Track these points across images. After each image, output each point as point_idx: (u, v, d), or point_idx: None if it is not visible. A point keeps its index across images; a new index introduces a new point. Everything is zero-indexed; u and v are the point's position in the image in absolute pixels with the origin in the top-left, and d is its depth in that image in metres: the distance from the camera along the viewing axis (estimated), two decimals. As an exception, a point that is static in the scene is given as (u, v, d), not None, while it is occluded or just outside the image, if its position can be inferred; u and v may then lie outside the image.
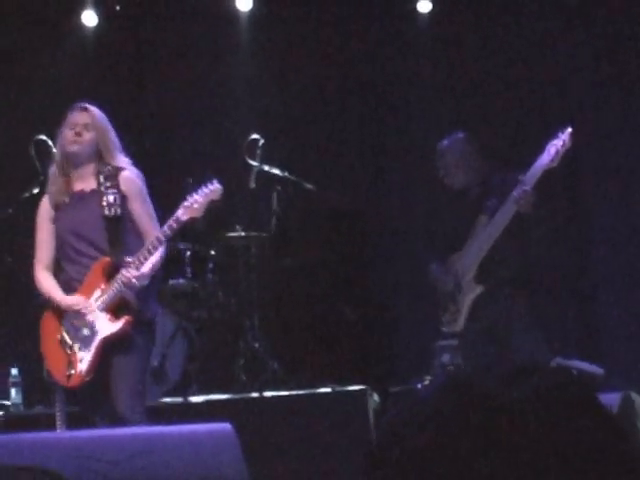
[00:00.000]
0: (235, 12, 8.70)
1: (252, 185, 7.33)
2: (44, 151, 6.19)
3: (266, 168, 7.39)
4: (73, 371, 5.20)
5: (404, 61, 8.74)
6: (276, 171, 7.42)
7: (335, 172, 8.61)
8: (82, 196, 5.32)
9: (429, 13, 8.70)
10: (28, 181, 6.55)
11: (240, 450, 3.71)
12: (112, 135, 5.38)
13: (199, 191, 5.31)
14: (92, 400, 5.25)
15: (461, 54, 8.52)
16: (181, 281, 7.54)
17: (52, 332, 5.33)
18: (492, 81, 8.35)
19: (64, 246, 5.29)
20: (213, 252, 7.62)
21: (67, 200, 5.33)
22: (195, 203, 5.25)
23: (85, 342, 5.21)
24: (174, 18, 8.69)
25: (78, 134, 5.28)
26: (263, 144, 7.33)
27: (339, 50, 8.68)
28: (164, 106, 8.56)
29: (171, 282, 7.47)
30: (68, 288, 5.28)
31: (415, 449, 1.17)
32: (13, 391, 6.88)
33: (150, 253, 5.18)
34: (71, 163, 5.34)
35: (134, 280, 5.13)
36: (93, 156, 5.32)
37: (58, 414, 5.86)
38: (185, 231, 6.45)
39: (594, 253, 8.19)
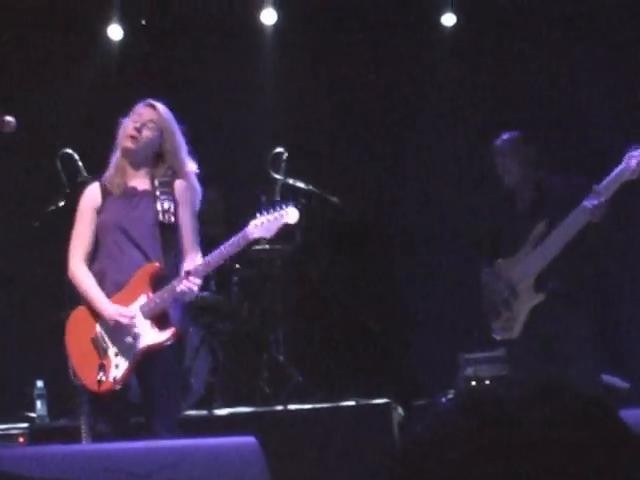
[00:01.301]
0: (260, 25, 8.73)
1: (277, 198, 7.33)
2: (70, 165, 6.22)
3: (290, 181, 7.40)
4: (104, 377, 4.92)
5: (429, 74, 8.74)
6: (300, 184, 7.43)
7: (359, 185, 8.62)
8: (134, 194, 5.11)
9: (453, 26, 8.72)
10: (54, 194, 6.59)
11: (265, 463, 3.71)
12: (178, 137, 5.20)
13: (273, 211, 5.11)
14: (120, 411, 5.04)
15: (485, 67, 8.52)
16: (206, 294, 7.53)
17: (84, 330, 5.04)
18: (517, 93, 8.35)
19: (106, 239, 5.05)
20: (238, 265, 7.63)
21: (118, 192, 5.11)
22: (267, 223, 5.07)
23: (125, 348, 4.96)
24: (199, 32, 8.73)
25: (137, 130, 5.09)
26: (287, 157, 7.34)
27: (363, 62, 8.70)
28: (188, 120, 8.57)
29: (196, 295, 7.48)
30: (99, 283, 5.01)
31: (438, 465, 1.17)
32: (38, 403, 6.91)
33: (211, 267, 5.06)
34: (124, 158, 5.14)
35: (195, 291, 4.97)
36: (150, 156, 5.15)
37: (83, 426, 5.88)
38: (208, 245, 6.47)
39: (623, 266, 8.15)
